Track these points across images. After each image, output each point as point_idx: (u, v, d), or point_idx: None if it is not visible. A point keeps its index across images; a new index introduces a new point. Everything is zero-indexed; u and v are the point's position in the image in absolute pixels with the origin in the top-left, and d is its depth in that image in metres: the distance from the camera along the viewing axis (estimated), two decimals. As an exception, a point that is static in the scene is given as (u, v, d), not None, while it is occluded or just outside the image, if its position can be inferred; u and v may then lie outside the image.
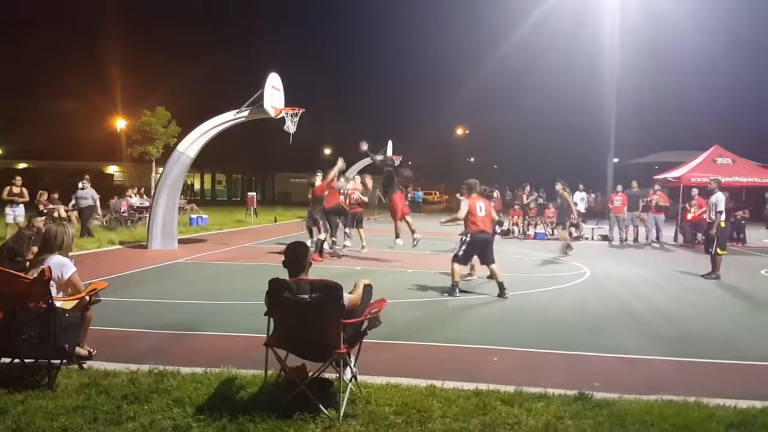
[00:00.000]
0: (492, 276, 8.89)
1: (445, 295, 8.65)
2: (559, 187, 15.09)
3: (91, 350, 5.17)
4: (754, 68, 47.04)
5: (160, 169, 17.53)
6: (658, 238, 17.66)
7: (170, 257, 12.13)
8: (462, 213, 8.83)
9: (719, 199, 11.05)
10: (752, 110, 44.45)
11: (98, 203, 16.45)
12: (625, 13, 23.11)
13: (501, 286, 8.73)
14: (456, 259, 8.79)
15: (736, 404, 4.38)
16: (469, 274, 10.08)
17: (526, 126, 55.11)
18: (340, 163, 12.79)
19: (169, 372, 4.74)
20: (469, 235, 8.80)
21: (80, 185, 16.20)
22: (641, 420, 4.04)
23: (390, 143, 28.54)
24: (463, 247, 8.80)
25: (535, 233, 19.13)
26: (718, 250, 10.99)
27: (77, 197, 16.34)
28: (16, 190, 14.40)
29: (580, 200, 20.86)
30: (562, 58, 53.91)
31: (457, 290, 8.72)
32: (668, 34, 38.08)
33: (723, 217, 10.99)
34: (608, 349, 6.02)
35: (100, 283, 5.33)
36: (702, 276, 11.06)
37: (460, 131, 65.88)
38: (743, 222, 19.10)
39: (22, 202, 14.44)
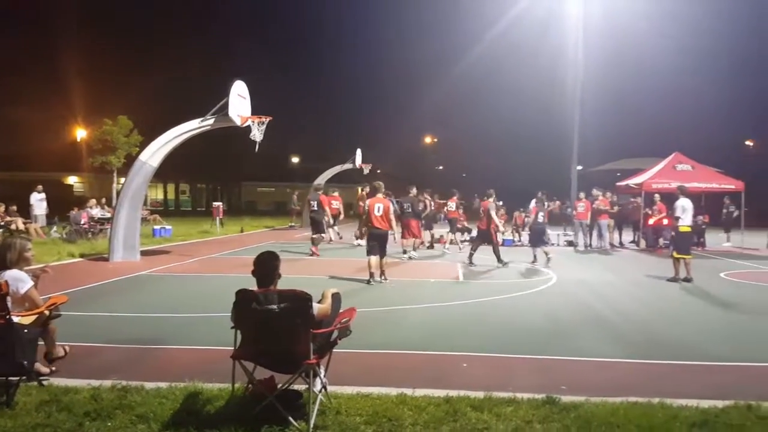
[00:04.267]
0: (373, 263, 10.47)
1: (418, 304, 8.68)
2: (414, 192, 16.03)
3: (52, 367, 5.02)
4: (711, 76, 48.61)
5: (122, 180, 17.16)
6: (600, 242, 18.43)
7: (132, 269, 11.86)
8: (366, 214, 10.72)
9: (677, 204, 11.40)
10: (710, 118, 45.85)
11: None
12: (587, 25, 23.64)
13: (372, 276, 10.40)
14: (368, 254, 10.55)
15: (698, 404, 4.48)
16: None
17: (492, 135, 55.99)
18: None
19: (132, 387, 4.63)
20: (368, 231, 10.70)
21: None
22: (607, 422, 4.10)
23: (359, 151, 28.61)
24: (367, 243, 10.74)
25: (503, 240, 19.29)
26: (674, 254, 11.33)
27: None
28: None
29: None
30: (527, 68, 55.01)
31: (371, 281, 10.34)
32: (629, 46, 39.10)
33: (682, 222, 11.26)
34: (575, 353, 6.11)
35: (60, 297, 5.19)
36: (667, 280, 11.35)
37: (428, 140, 66.39)
38: (703, 227, 19.67)
39: None
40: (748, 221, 21.02)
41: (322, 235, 15.27)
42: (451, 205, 17.92)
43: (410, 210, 15.31)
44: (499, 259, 13.35)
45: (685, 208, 11.27)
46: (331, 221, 15.70)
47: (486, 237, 13.61)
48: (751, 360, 6.00)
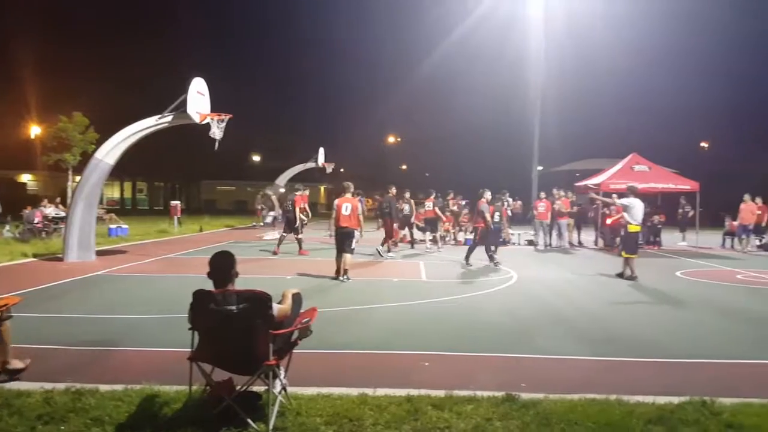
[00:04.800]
0: (339, 262, 10.76)
1: (380, 303, 8.67)
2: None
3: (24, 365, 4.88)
4: (668, 79, 50.05)
5: (77, 178, 16.67)
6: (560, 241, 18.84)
7: (88, 270, 11.54)
8: (334, 213, 11.02)
9: (623, 201, 11.85)
10: (667, 120, 47.15)
11: None
12: (548, 27, 24.13)
13: (345, 272, 10.67)
14: (336, 253, 10.84)
15: (654, 400, 4.58)
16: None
17: (455, 135, 56.24)
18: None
19: (87, 390, 4.50)
20: (336, 230, 10.93)
21: None
22: (566, 419, 4.16)
23: (321, 150, 28.48)
24: (335, 242, 10.95)
25: (465, 239, 19.42)
26: (623, 253, 11.72)
27: None
28: None
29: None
30: (489, 69, 55.40)
31: (341, 279, 10.65)
32: (588, 49, 39.82)
33: (628, 219, 11.54)
34: (535, 351, 6.19)
35: (12, 298, 5.05)
36: (616, 275, 11.71)
37: (391, 139, 66.49)
38: (659, 226, 20.22)
39: None
40: (702, 221, 21.65)
41: (299, 236, 15.44)
42: (428, 204, 17.89)
43: (388, 210, 15.57)
44: (467, 258, 13.45)
45: (630, 207, 11.53)
46: (305, 220, 15.84)
47: (486, 235, 13.61)
48: (705, 356, 6.17)
